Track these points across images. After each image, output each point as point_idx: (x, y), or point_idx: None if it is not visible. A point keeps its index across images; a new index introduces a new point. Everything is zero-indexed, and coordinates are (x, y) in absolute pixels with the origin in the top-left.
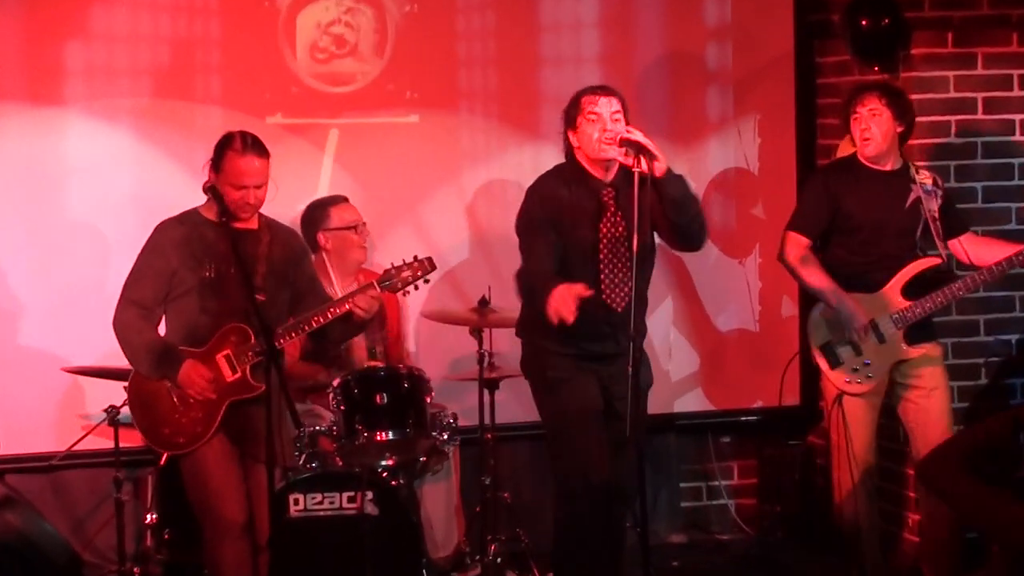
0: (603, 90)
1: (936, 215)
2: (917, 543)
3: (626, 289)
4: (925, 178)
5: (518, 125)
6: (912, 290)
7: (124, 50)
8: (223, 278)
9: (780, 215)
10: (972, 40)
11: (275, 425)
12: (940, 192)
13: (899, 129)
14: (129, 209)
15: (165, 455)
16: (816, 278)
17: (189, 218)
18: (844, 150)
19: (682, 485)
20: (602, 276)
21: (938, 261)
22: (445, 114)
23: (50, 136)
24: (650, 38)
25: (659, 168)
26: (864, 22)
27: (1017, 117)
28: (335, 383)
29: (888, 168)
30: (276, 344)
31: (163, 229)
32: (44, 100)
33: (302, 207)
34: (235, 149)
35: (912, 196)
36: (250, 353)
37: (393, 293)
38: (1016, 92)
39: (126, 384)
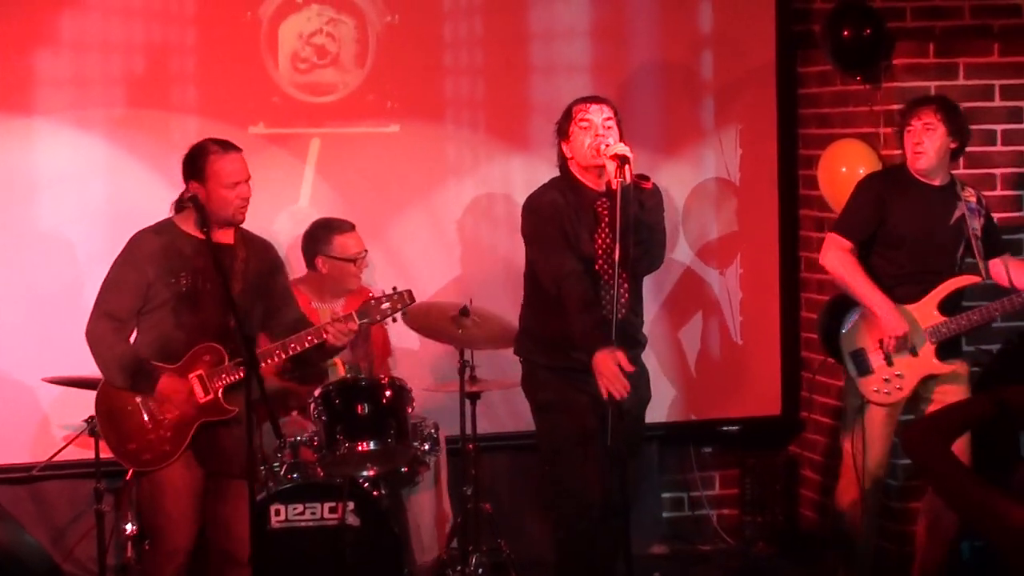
0: (594, 99)
1: (979, 233)
2: (898, 552)
3: (624, 299)
4: (970, 195)
5: (501, 136)
6: (948, 306)
7: (102, 59)
8: (199, 293)
9: (762, 225)
10: (954, 50)
11: (255, 440)
12: (983, 210)
13: (952, 145)
14: (108, 220)
15: (131, 469)
16: (861, 280)
17: (166, 229)
18: (827, 160)
19: (664, 495)
20: (602, 285)
21: (978, 279)
22: (426, 124)
23: (26, 146)
24: (633, 48)
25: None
26: (846, 32)
27: (998, 127)
28: (316, 393)
29: (937, 183)
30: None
31: (139, 240)
32: (17, 110)
33: (283, 216)
34: (215, 152)
35: (957, 213)
36: (224, 375)
37: (371, 324)
38: (997, 102)
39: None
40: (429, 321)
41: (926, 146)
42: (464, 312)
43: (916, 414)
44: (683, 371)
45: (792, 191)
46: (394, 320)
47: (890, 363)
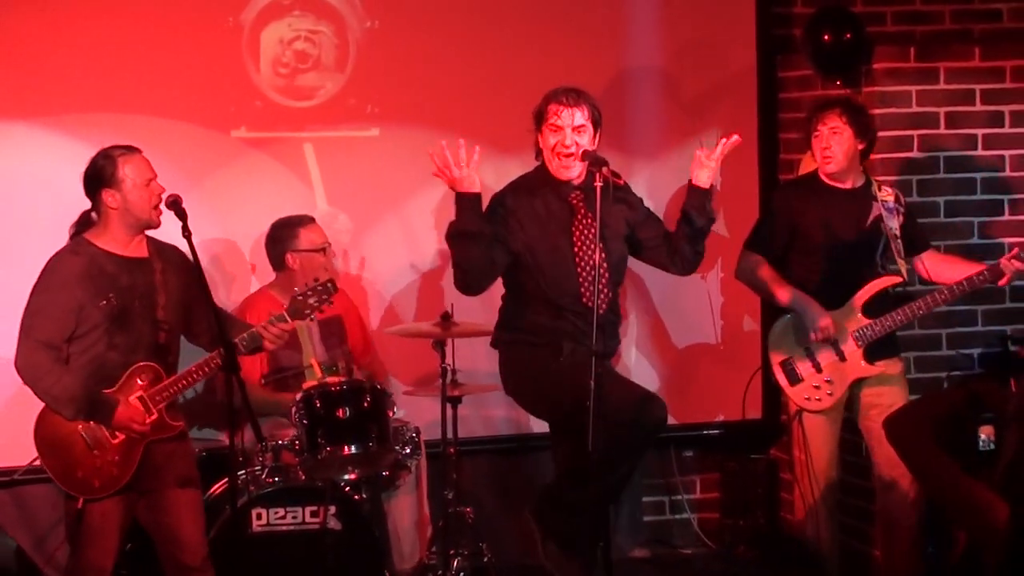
0: (570, 98)
1: (897, 233)
2: (877, 555)
3: (604, 293)
4: (887, 195)
5: (481, 140)
6: (872, 308)
7: (82, 63)
8: (128, 312)
9: (742, 230)
10: (934, 55)
11: (187, 449)
12: (902, 209)
13: (860, 147)
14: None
15: (81, 500)
16: (775, 282)
17: (83, 249)
18: (807, 166)
19: (645, 499)
20: (580, 279)
21: (899, 279)
22: (406, 128)
23: (15, 149)
24: (613, 52)
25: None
26: (826, 37)
27: (979, 132)
28: (298, 397)
29: (848, 186)
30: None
31: (60, 262)
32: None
33: (267, 220)
34: (122, 155)
35: (873, 214)
36: (164, 393)
37: (302, 320)
38: (978, 107)
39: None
40: (412, 331)
41: (834, 150)
42: (446, 317)
43: (855, 413)
44: (664, 375)
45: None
46: (322, 311)
47: (819, 370)
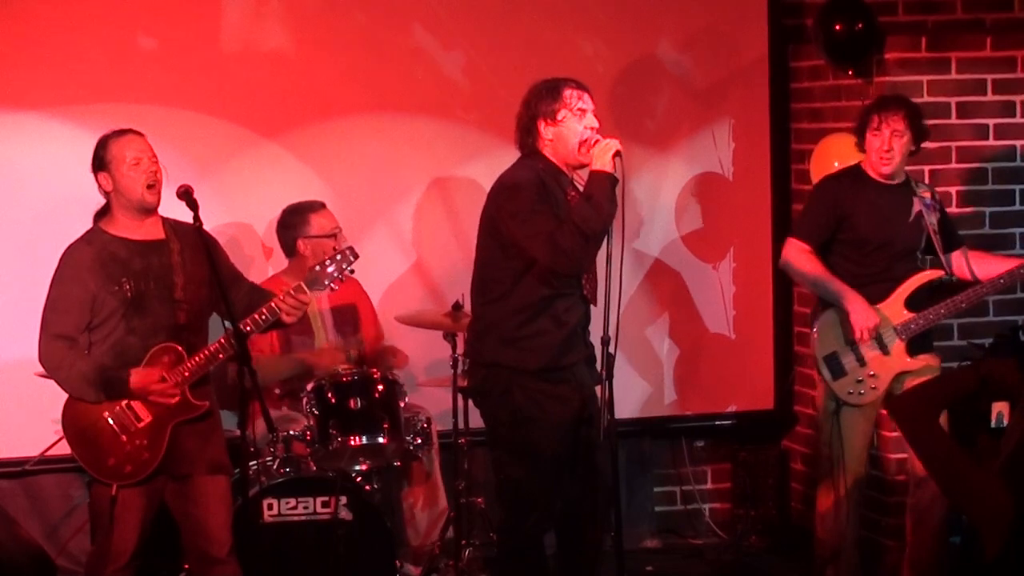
0: (583, 86)
1: (936, 228)
2: (896, 547)
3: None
4: (924, 192)
5: (493, 129)
6: (914, 302)
7: (92, 53)
8: (144, 295)
9: (754, 220)
10: (946, 45)
11: (218, 432)
12: (938, 206)
13: (913, 148)
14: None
15: (115, 487)
16: (825, 276)
17: (95, 237)
18: (819, 154)
19: (656, 490)
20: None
21: (941, 273)
22: (419, 116)
23: (8, 140)
24: (625, 43)
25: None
26: (838, 27)
27: (991, 122)
28: (309, 387)
29: (895, 182)
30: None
31: (73, 253)
32: (4, 104)
33: (276, 209)
34: (112, 138)
35: (915, 210)
36: (187, 373)
37: (321, 290)
38: (989, 96)
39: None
40: (422, 319)
41: (894, 152)
42: (457, 307)
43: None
44: (675, 365)
45: (785, 185)
46: (343, 279)
47: (863, 364)
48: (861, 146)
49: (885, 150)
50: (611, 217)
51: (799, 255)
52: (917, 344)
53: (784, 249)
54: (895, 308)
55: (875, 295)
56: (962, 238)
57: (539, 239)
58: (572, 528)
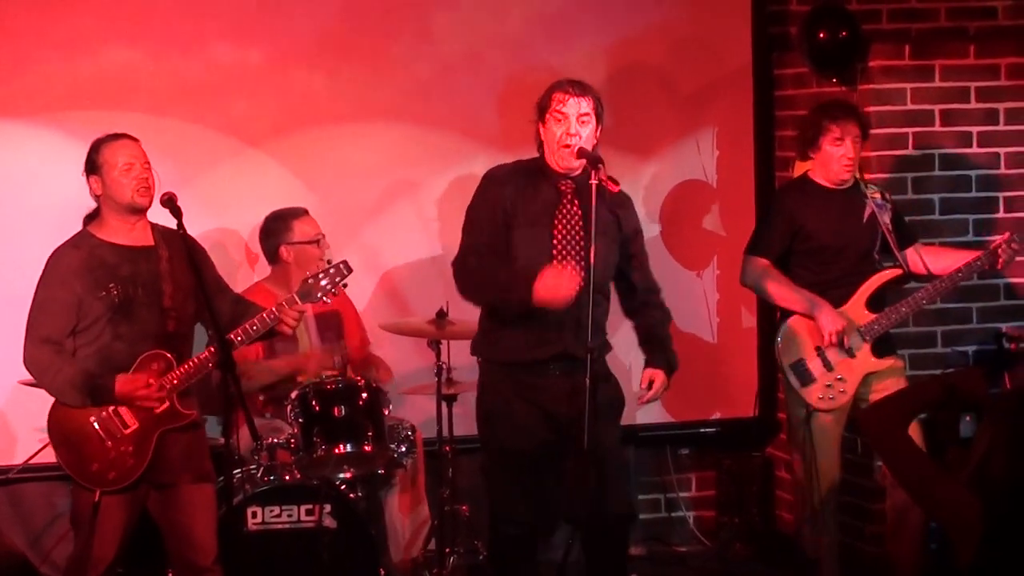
0: (575, 88)
1: (889, 227)
2: (878, 554)
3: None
4: (874, 192)
5: (474, 135)
6: (875, 303)
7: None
8: (131, 301)
9: (738, 227)
10: (929, 53)
11: (202, 441)
12: (889, 204)
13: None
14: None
15: (98, 492)
16: (786, 287)
17: (83, 241)
18: (803, 162)
19: (640, 497)
20: (554, 256)
21: (899, 272)
22: (401, 124)
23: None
24: (608, 49)
25: None
26: (822, 35)
27: (974, 129)
28: (293, 395)
29: (845, 187)
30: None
31: (59, 257)
32: None
33: (260, 216)
34: (104, 142)
35: (867, 211)
36: (174, 380)
37: (313, 303)
38: (973, 104)
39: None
40: (407, 327)
41: (854, 159)
42: (441, 314)
43: (855, 411)
44: None
45: (769, 193)
46: (335, 293)
47: (830, 368)
48: (806, 154)
49: (849, 158)
50: (482, 303)
51: (757, 270)
52: (881, 345)
53: (744, 268)
54: (857, 310)
55: (836, 299)
56: (915, 234)
57: (460, 246)
58: (592, 530)
